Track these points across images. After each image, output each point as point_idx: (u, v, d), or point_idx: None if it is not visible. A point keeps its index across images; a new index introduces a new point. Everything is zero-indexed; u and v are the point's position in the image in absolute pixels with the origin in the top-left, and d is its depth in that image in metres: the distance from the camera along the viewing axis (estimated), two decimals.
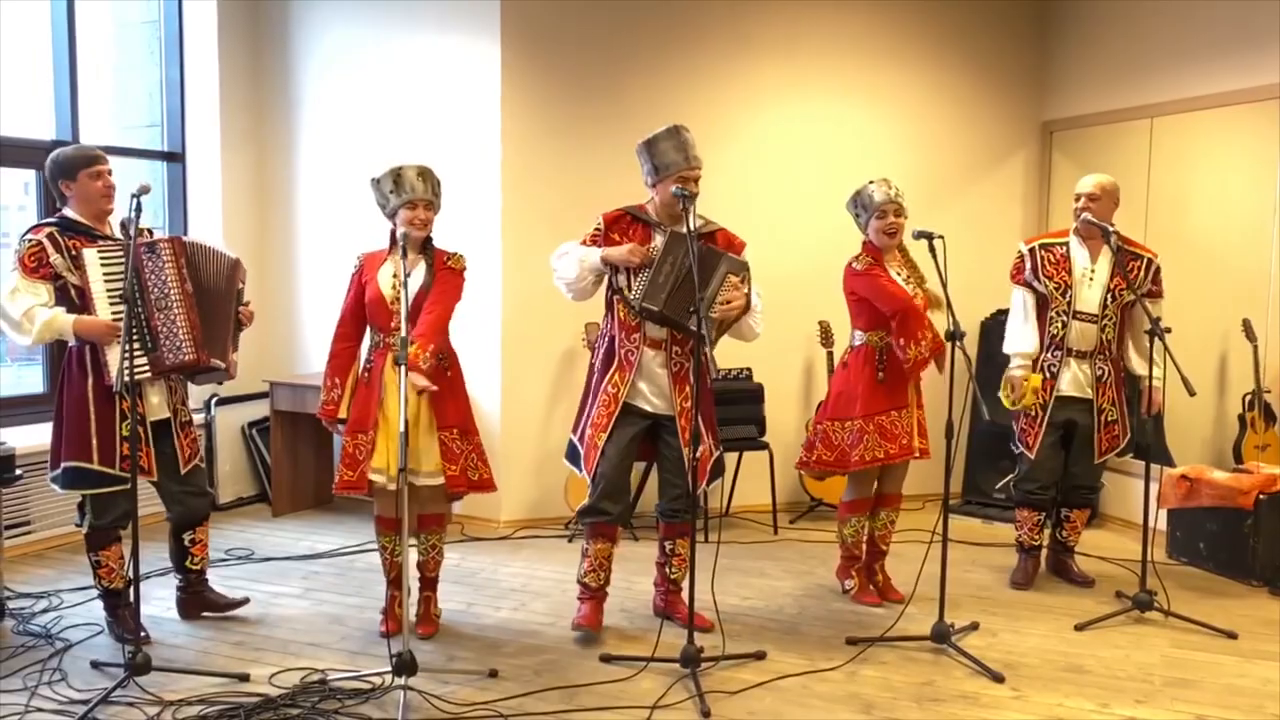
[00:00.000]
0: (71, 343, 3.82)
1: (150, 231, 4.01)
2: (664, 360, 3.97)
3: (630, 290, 3.90)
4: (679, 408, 3.96)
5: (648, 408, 3.99)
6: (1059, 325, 4.59)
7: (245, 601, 4.30)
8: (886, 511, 4.54)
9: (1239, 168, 5.24)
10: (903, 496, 4.60)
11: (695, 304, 3.58)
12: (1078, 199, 4.57)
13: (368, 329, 4.03)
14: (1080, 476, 4.73)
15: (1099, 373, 4.59)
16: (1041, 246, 4.67)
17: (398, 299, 3.82)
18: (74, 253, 3.74)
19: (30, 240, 3.75)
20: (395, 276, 3.85)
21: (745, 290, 3.90)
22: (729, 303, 3.85)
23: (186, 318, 3.84)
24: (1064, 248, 4.63)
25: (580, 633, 4.05)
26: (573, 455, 4.13)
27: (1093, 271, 4.57)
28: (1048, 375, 4.61)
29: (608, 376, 4.01)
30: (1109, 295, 4.54)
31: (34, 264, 3.72)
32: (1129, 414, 4.68)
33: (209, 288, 3.96)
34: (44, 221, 3.90)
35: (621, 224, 4.00)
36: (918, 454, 4.40)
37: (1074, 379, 4.60)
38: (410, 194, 3.87)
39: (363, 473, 3.90)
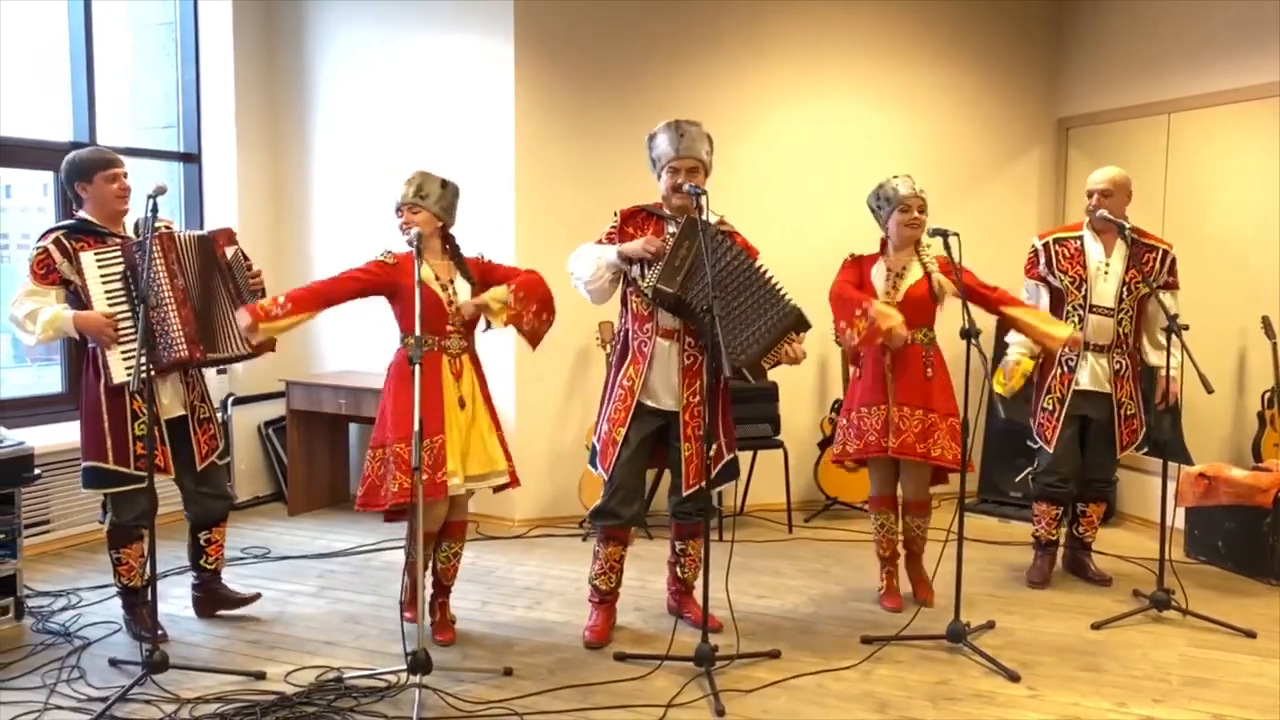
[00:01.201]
0: (89, 341, 3.84)
1: (169, 228, 4.01)
2: (677, 351, 3.91)
3: (644, 281, 3.85)
4: (685, 402, 3.90)
5: (658, 406, 3.94)
6: (1075, 320, 4.57)
7: (257, 597, 4.32)
8: (909, 517, 4.48)
9: (1258, 164, 5.19)
10: (926, 504, 4.47)
11: (708, 292, 3.56)
12: (1091, 195, 4.57)
13: (404, 335, 3.85)
14: (1096, 470, 4.71)
15: (1117, 366, 4.58)
16: (1055, 241, 4.67)
17: (453, 300, 3.84)
18: (76, 256, 3.77)
19: (39, 247, 3.79)
20: (437, 279, 3.83)
21: (803, 349, 3.89)
22: (787, 354, 3.85)
23: (177, 314, 3.86)
24: (1078, 241, 4.62)
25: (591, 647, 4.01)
26: (593, 455, 4.11)
27: (1108, 265, 4.55)
28: (1065, 370, 4.60)
29: (622, 371, 3.99)
30: (1124, 288, 4.52)
31: (43, 271, 3.78)
32: (1144, 409, 4.66)
33: (199, 279, 3.95)
34: (56, 225, 3.92)
35: (637, 219, 3.99)
36: (889, 451, 4.23)
37: (1092, 373, 4.58)
38: (397, 200, 3.88)
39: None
